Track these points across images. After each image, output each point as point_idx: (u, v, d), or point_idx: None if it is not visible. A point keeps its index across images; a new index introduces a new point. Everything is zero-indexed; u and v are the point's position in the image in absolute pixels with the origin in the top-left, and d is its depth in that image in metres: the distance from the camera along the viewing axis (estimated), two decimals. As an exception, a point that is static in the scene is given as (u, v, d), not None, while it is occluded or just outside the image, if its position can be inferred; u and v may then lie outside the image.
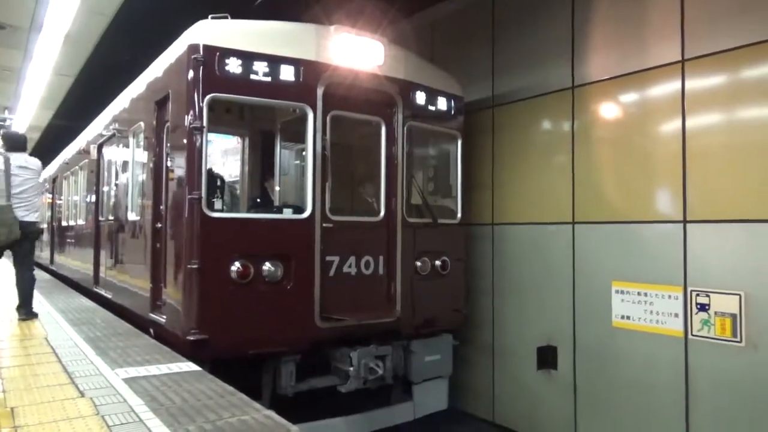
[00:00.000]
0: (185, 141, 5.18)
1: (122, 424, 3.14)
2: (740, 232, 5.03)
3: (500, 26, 7.52)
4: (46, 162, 18.33)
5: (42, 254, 16.81)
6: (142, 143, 6.94)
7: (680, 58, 5.49)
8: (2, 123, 15.35)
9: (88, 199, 10.20)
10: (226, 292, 5.08)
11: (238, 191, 8.47)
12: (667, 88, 5.64)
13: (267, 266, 5.24)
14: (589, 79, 6.38)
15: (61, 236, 13.49)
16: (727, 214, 5.12)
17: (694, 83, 5.41)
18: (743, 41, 5.04)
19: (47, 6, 8.04)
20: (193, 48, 5.11)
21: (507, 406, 7.26)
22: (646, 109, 5.88)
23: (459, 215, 7.02)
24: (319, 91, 5.58)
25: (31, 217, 6.22)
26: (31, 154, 6.79)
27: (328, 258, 5.60)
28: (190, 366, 4.46)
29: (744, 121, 5.12)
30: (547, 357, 6.67)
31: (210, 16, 5.23)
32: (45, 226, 16.50)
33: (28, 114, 14.71)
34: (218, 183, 6.82)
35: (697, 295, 5.27)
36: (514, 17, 7.32)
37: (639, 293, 5.75)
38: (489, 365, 7.45)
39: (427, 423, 6.77)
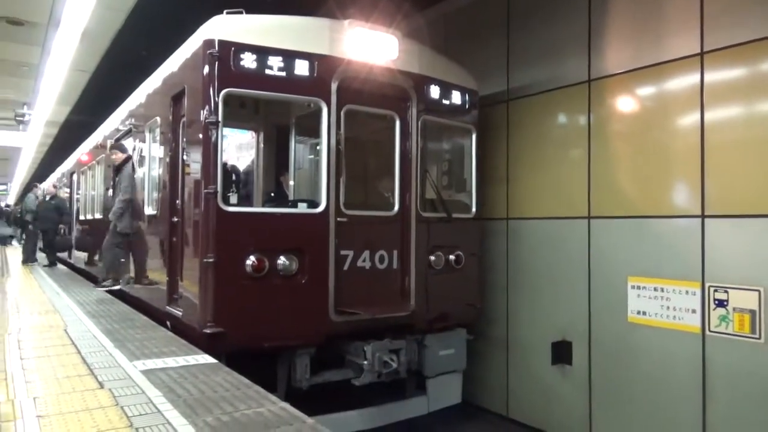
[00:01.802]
0: (201, 136, 5.22)
1: (141, 415, 3.18)
2: (760, 227, 4.96)
3: (515, 19, 7.45)
4: (63, 157, 18.61)
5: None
6: (158, 138, 7.00)
7: (699, 51, 5.40)
8: (21, 118, 15.57)
9: (104, 194, 10.31)
10: (241, 286, 5.12)
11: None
12: (685, 81, 5.56)
13: (282, 260, 5.28)
14: (605, 73, 6.31)
15: (79, 230, 13.66)
16: (746, 208, 5.04)
17: (713, 76, 5.33)
18: (764, 33, 4.95)
19: (65, 2, 8.12)
20: (208, 43, 5.14)
21: (521, 400, 7.24)
22: (664, 103, 5.80)
23: (473, 210, 6.99)
24: (334, 86, 5.58)
25: None
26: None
27: (343, 252, 5.62)
28: (207, 359, 4.51)
29: (765, 115, 5.03)
30: (561, 352, 6.64)
31: (225, 11, 5.25)
32: None
33: (46, 109, 14.89)
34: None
35: (715, 290, 5.20)
36: (529, 9, 7.25)
37: (655, 289, 5.70)
38: (503, 360, 7.44)
39: (440, 417, 6.78)
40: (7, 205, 33.61)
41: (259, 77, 5.26)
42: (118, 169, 8.28)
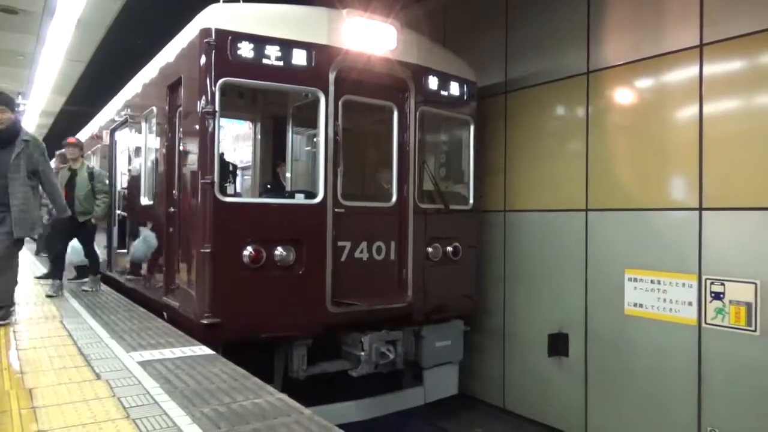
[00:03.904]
0: (197, 126, 5.18)
1: (138, 406, 3.17)
2: (757, 220, 4.96)
3: (514, 10, 7.41)
4: (59, 149, 18.49)
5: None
6: (154, 128, 6.95)
7: (698, 43, 5.38)
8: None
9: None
10: (238, 277, 5.11)
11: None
12: (684, 74, 5.54)
13: (279, 251, 5.26)
14: (604, 65, 6.29)
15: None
16: (744, 201, 5.05)
17: (712, 68, 5.31)
18: (764, 25, 4.93)
19: (59, -10, 8.06)
20: (205, 32, 5.09)
21: (517, 392, 7.27)
22: (662, 95, 5.78)
23: (471, 201, 6.98)
24: (332, 76, 5.54)
25: None
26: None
27: (340, 243, 5.60)
28: (204, 349, 4.50)
29: (763, 108, 5.02)
30: (558, 344, 6.66)
31: (222, 0, 5.21)
32: None
33: (41, 99, 14.79)
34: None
35: (712, 283, 5.22)
36: (528, 0, 7.21)
37: (652, 281, 5.71)
38: (500, 351, 7.46)
39: (437, 408, 6.81)
40: None
41: (257, 67, 5.21)
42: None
